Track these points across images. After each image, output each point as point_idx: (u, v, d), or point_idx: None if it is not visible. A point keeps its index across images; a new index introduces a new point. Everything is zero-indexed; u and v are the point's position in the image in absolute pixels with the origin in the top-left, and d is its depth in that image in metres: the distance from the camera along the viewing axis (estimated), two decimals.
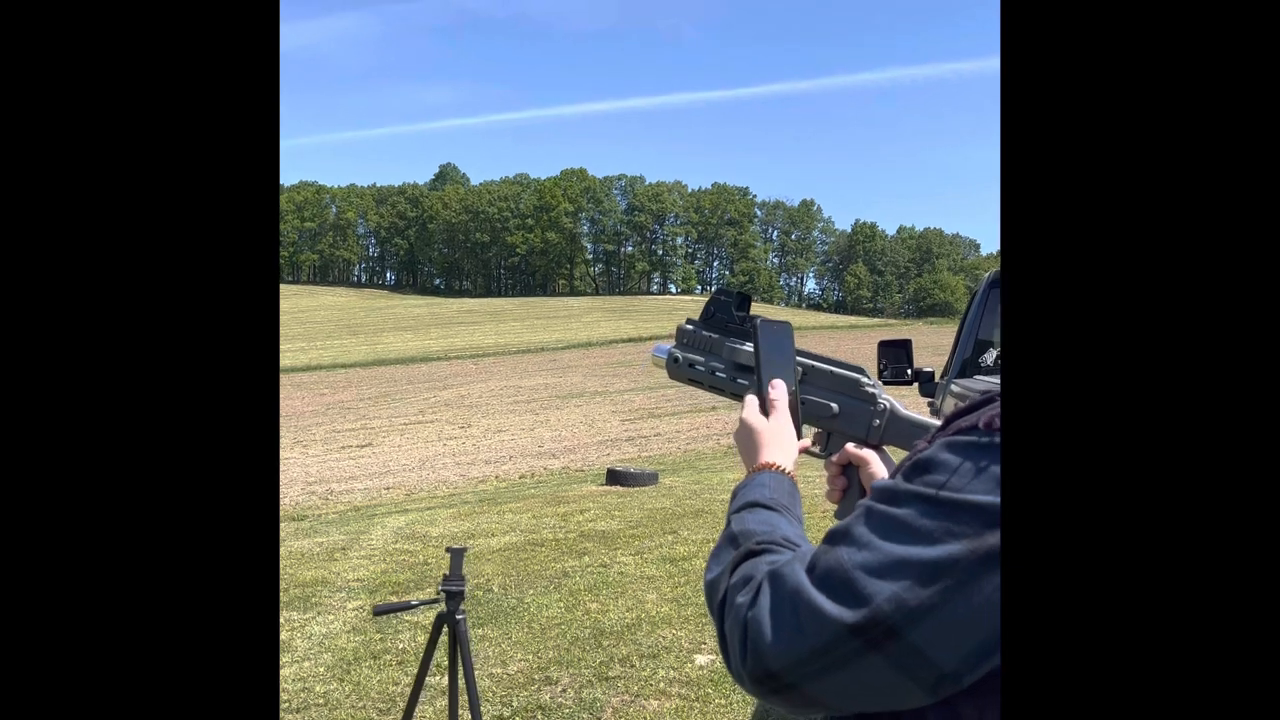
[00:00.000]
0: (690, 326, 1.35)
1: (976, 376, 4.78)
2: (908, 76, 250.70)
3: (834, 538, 0.82)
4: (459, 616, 2.72)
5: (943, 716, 0.80)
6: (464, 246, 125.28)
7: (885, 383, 5.08)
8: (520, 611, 5.21)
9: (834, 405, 1.23)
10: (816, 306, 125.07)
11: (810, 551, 0.84)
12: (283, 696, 4.04)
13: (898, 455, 1.06)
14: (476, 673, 3.88)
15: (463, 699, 2.78)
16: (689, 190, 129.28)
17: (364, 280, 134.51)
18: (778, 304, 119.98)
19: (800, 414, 1.21)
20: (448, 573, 2.74)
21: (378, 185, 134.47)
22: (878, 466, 1.18)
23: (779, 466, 1.08)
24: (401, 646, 4.69)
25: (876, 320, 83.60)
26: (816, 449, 1.24)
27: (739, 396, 1.29)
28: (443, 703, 3.77)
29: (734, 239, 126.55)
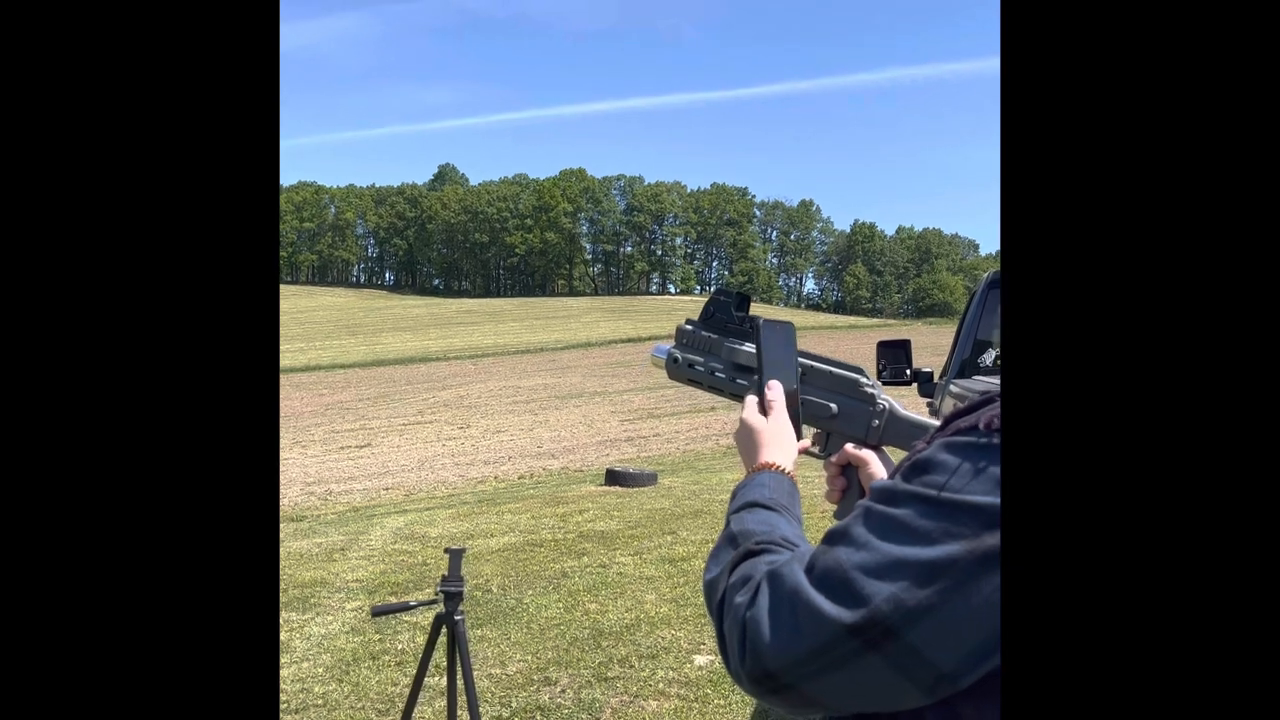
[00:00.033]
0: (689, 327, 1.35)
1: (975, 377, 4.78)
2: (906, 77, 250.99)
3: (832, 538, 0.82)
4: (457, 617, 2.72)
5: (941, 717, 0.80)
6: (463, 247, 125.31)
7: (884, 383, 5.08)
8: (519, 612, 5.21)
9: (833, 406, 1.23)
10: (815, 307, 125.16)
11: (809, 552, 0.84)
12: (281, 697, 4.04)
13: (897, 456, 1.06)
14: (476, 673, 3.88)
15: (461, 700, 2.78)
16: (688, 190, 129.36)
17: (363, 281, 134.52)
18: (776, 304, 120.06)
19: (801, 414, 1.21)
20: (446, 573, 2.74)
21: (376, 185, 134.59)
22: (877, 467, 1.18)
23: (779, 466, 1.08)
24: (400, 647, 4.69)
25: (875, 320, 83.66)
26: (816, 449, 1.24)
27: (738, 397, 1.29)
28: (441, 703, 3.76)
29: (733, 239, 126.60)
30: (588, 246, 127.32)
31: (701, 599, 4.82)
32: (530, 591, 5.63)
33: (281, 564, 6.53)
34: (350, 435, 20.94)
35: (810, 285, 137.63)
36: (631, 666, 4.30)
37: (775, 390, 1.16)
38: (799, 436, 1.18)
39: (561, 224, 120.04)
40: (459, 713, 2.83)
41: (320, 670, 4.41)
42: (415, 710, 2.89)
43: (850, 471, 1.21)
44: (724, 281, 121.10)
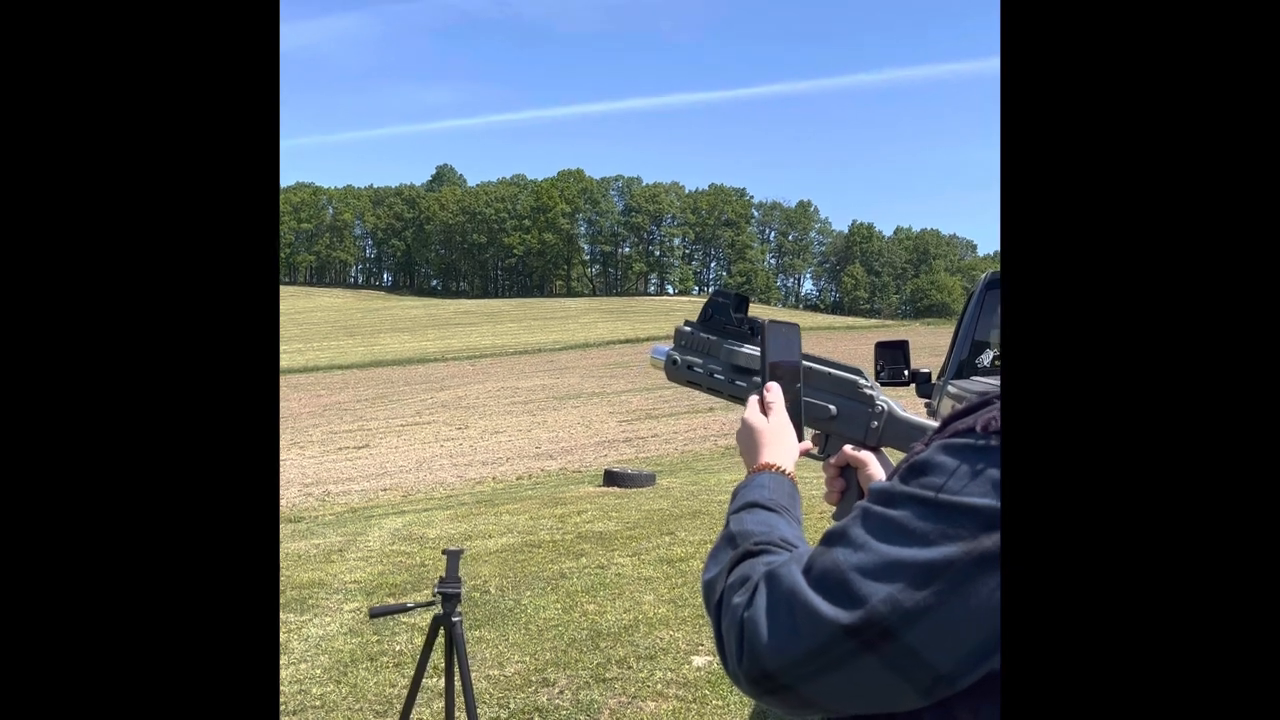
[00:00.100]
0: (688, 328, 1.35)
1: (973, 377, 4.79)
2: (905, 77, 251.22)
3: (831, 539, 0.82)
4: (455, 619, 2.72)
5: (938, 718, 0.80)
6: (461, 248, 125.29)
7: (882, 383, 5.08)
8: (517, 613, 5.21)
9: (832, 407, 1.23)
10: (814, 307, 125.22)
11: (807, 552, 0.84)
12: (279, 699, 4.04)
13: (896, 457, 1.06)
14: (474, 674, 3.88)
15: (459, 701, 2.77)
16: (686, 191, 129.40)
17: (361, 281, 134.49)
18: (775, 304, 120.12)
19: (803, 415, 1.21)
20: (444, 575, 2.74)
21: (375, 186, 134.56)
22: (876, 468, 1.18)
23: (779, 467, 1.08)
24: (398, 648, 4.68)
25: (874, 321, 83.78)
26: (815, 451, 1.24)
27: (737, 398, 1.29)
28: (439, 705, 3.76)
29: (731, 240, 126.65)
30: (586, 247, 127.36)
31: (700, 600, 4.81)
32: (528, 592, 5.63)
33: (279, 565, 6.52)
34: (348, 436, 20.93)
35: (808, 286, 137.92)
36: (630, 667, 4.30)
37: (775, 391, 1.17)
38: (800, 438, 1.18)
39: (559, 225, 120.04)
40: (457, 714, 2.83)
41: (318, 671, 4.40)
42: (413, 712, 2.89)
43: (849, 473, 1.21)
44: (722, 282, 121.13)
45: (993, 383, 4.10)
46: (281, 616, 5.26)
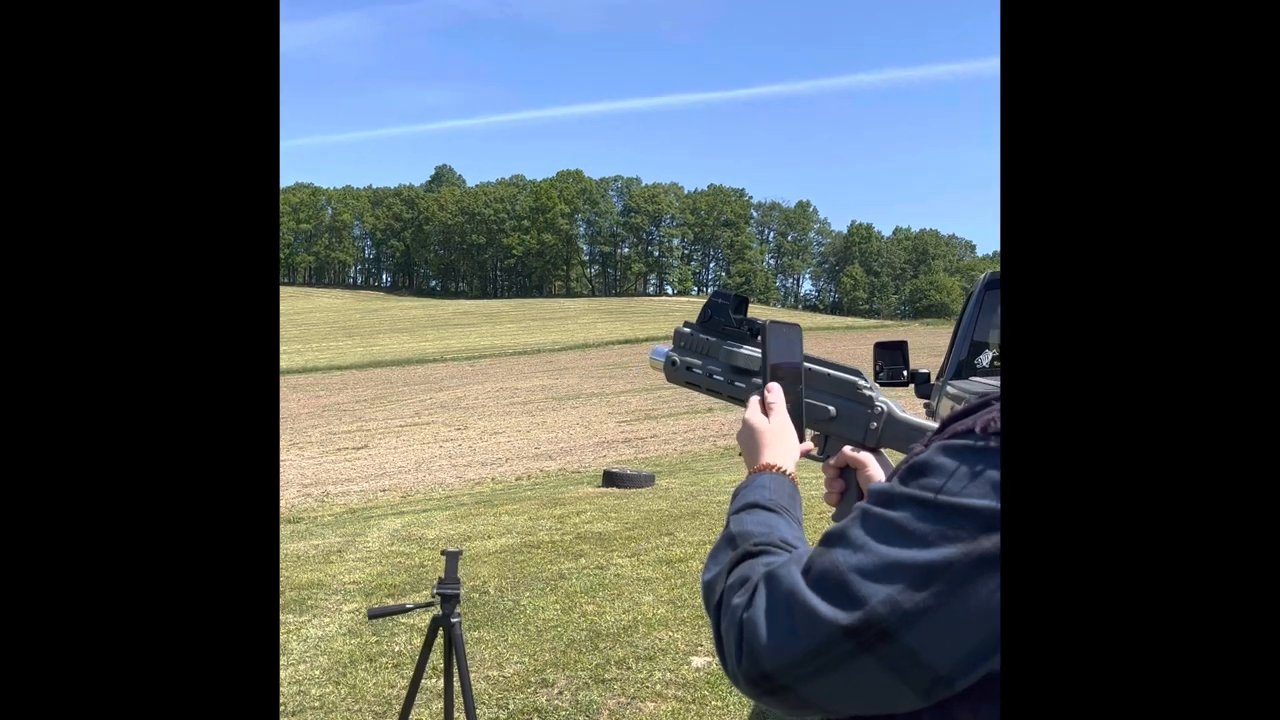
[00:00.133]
0: (688, 329, 1.35)
1: (972, 378, 4.79)
2: (904, 78, 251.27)
3: (830, 540, 0.82)
4: (454, 620, 2.72)
5: (938, 719, 0.80)
6: (460, 248, 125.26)
7: (881, 384, 5.08)
8: (516, 614, 5.20)
9: (831, 408, 1.23)
10: (813, 308, 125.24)
11: (807, 553, 0.84)
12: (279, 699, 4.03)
13: (895, 458, 1.06)
14: (473, 675, 3.88)
15: (458, 701, 2.77)
16: (685, 192, 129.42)
17: (360, 282, 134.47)
18: (774, 305, 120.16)
19: (804, 416, 1.21)
20: (443, 576, 2.74)
21: (374, 187, 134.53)
22: (875, 469, 1.18)
23: (779, 468, 1.08)
24: (397, 649, 4.68)
25: (873, 321, 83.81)
26: (815, 451, 1.24)
27: (736, 399, 1.29)
28: (438, 705, 3.76)
29: (730, 240, 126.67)
30: (585, 248, 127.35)
31: (699, 600, 4.81)
32: (527, 593, 5.62)
33: None
34: (347, 437, 20.93)
35: (807, 286, 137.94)
36: (629, 668, 4.30)
37: (776, 392, 1.17)
38: (801, 438, 1.18)
39: (559, 225, 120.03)
40: (456, 715, 2.83)
41: (317, 672, 4.40)
42: (412, 712, 2.89)
43: (849, 474, 1.21)
44: (721, 283, 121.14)
45: (992, 383, 4.10)
46: (281, 617, 5.26)
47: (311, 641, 4.86)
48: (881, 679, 0.76)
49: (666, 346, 1.38)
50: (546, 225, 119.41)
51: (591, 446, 16.78)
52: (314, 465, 16.33)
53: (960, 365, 5.07)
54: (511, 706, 3.91)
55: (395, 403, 28.25)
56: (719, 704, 3.88)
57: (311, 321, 73.77)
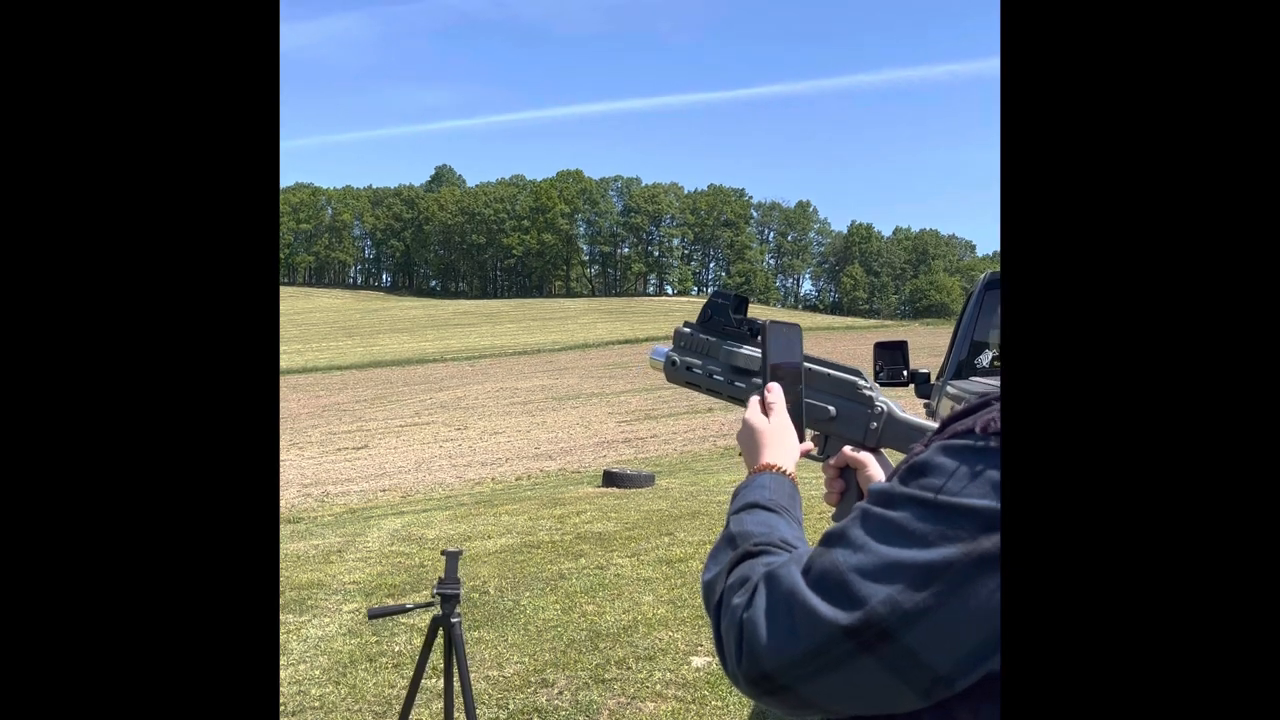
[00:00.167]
0: (688, 329, 1.35)
1: (972, 378, 4.79)
2: (904, 78, 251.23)
3: (830, 540, 0.82)
4: (454, 620, 2.72)
5: (938, 719, 0.80)
6: (460, 248, 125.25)
7: (881, 384, 5.08)
8: (516, 614, 5.20)
9: (831, 408, 1.23)
10: (813, 308, 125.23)
11: (807, 553, 0.84)
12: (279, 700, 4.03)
13: (895, 458, 1.06)
14: (473, 675, 3.88)
15: (458, 702, 2.77)
16: (685, 192, 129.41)
17: (360, 282, 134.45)
18: (774, 305, 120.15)
19: (804, 416, 1.21)
20: (443, 576, 2.74)
21: (374, 187, 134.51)
22: (875, 469, 1.18)
23: (779, 468, 1.08)
24: (397, 649, 4.68)
25: (873, 321, 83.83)
26: (815, 451, 1.24)
27: (736, 399, 1.29)
28: (438, 705, 3.76)
29: (730, 240, 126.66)
30: (585, 248, 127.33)
31: (699, 600, 4.81)
32: (527, 593, 5.62)
33: None
34: (347, 437, 20.93)
35: (807, 286, 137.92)
36: (629, 668, 4.30)
37: (776, 392, 1.17)
38: (801, 438, 1.18)
39: (559, 225, 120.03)
40: (456, 715, 2.83)
41: (317, 672, 4.40)
42: (412, 713, 2.89)
43: (849, 474, 1.21)
44: (721, 282, 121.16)
45: (992, 383, 4.10)
46: (281, 617, 5.26)
47: (311, 641, 4.86)
48: (881, 679, 0.76)
49: (666, 346, 1.38)
50: (546, 225, 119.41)
51: (591, 446, 16.78)
52: (314, 465, 16.33)
53: (960, 365, 5.07)
54: (511, 706, 3.91)
55: (395, 403, 28.25)
56: (719, 704, 3.88)
57: (311, 321, 73.78)
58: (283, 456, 16.68)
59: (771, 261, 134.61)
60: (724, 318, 1.31)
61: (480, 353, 47.47)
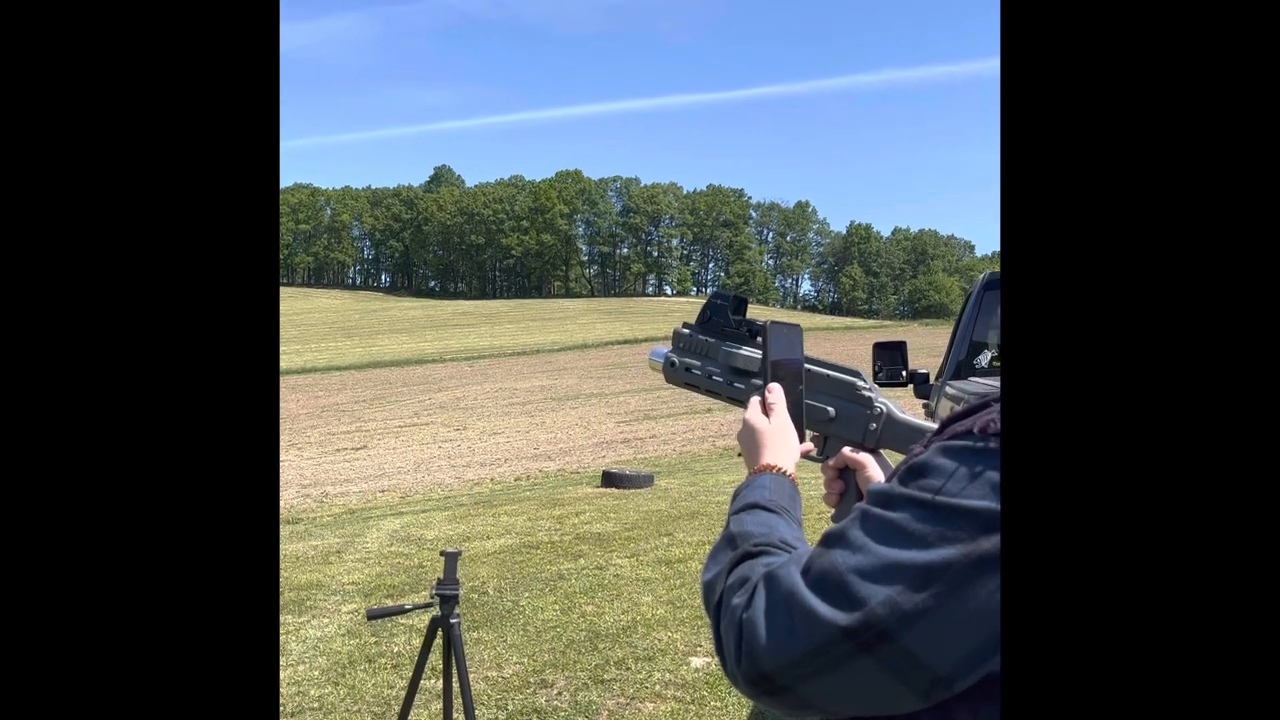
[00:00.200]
0: (687, 331, 1.35)
1: (971, 378, 4.79)
2: (903, 79, 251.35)
3: (829, 540, 0.82)
4: (453, 620, 2.72)
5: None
6: (459, 249, 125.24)
7: (880, 384, 5.08)
8: (515, 614, 5.20)
9: (831, 409, 1.23)
10: (812, 308, 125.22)
11: (807, 554, 0.84)
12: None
13: (895, 459, 1.06)
14: (472, 676, 3.87)
15: (457, 702, 2.77)
16: (684, 192, 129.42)
17: (359, 283, 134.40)
18: (773, 305, 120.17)
19: (805, 417, 1.21)
20: (442, 576, 2.74)
21: (372, 187, 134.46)
22: (874, 470, 1.18)
23: (779, 468, 1.08)
24: (396, 650, 4.68)
25: (872, 322, 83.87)
26: (814, 452, 1.24)
27: (736, 400, 1.29)
28: (437, 706, 3.76)
29: (729, 241, 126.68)
30: (584, 248, 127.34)
31: (698, 601, 4.81)
32: (526, 594, 5.62)
33: None
34: (346, 437, 20.92)
35: (806, 286, 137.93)
36: (628, 669, 4.30)
37: (777, 392, 1.17)
38: (801, 439, 1.18)
39: (558, 226, 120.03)
40: (455, 715, 2.83)
41: (316, 673, 4.40)
42: (411, 713, 2.88)
43: (848, 475, 1.21)
44: (720, 283, 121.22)
45: (991, 384, 4.11)
46: (280, 618, 5.25)
47: (310, 642, 4.86)
48: (880, 680, 0.76)
49: (666, 348, 1.38)
50: (545, 226, 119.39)
51: (590, 447, 16.78)
52: (313, 466, 16.33)
53: (959, 365, 5.07)
54: (510, 707, 3.91)
55: (394, 403, 28.25)
56: (718, 704, 3.88)
57: (310, 322, 73.76)
58: (282, 457, 16.67)
59: (770, 262, 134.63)
60: (723, 319, 1.31)
61: (479, 353, 47.47)
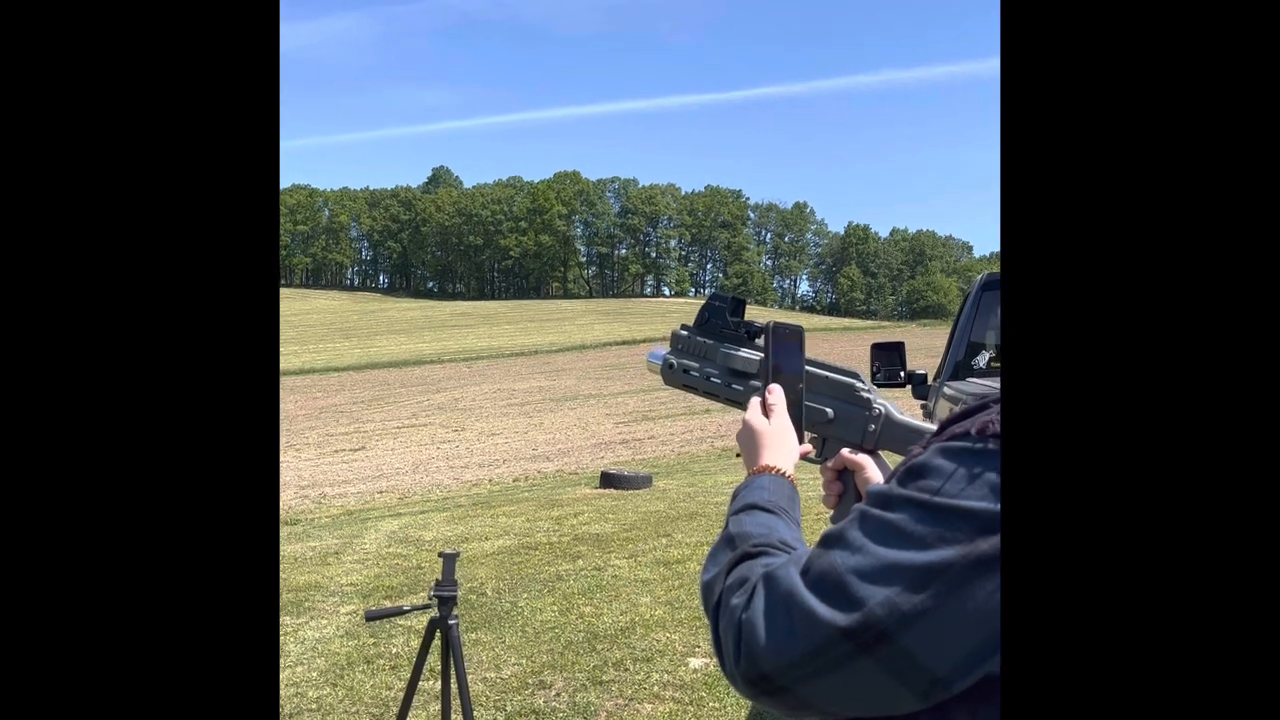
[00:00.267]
0: (685, 332, 1.35)
1: (969, 379, 4.79)
2: (901, 79, 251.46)
3: (828, 541, 0.82)
4: (451, 621, 2.72)
5: None
6: (457, 249, 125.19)
7: (878, 385, 5.08)
8: (514, 615, 5.20)
9: (830, 410, 1.23)
10: (810, 309, 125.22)
11: (806, 554, 0.84)
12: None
13: (894, 460, 1.06)
14: (470, 677, 3.87)
15: (456, 704, 2.77)
16: (682, 193, 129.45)
17: (357, 283, 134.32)
18: (771, 306, 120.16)
19: (804, 418, 1.21)
20: (440, 577, 2.74)
21: (371, 188, 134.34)
22: (873, 471, 1.18)
23: (779, 469, 1.08)
24: (395, 651, 4.68)
25: (870, 322, 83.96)
26: (813, 454, 1.24)
27: (734, 402, 1.29)
28: (436, 707, 3.75)
29: (727, 241, 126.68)
30: (582, 249, 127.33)
31: (697, 602, 4.81)
32: (525, 595, 5.62)
33: None
34: (344, 438, 20.91)
35: (804, 287, 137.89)
36: (626, 670, 4.29)
37: (777, 393, 1.17)
38: (801, 440, 1.18)
39: (556, 226, 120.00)
40: (454, 717, 2.83)
41: (314, 674, 4.39)
42: (409, 714, 2.88)
43: (847, 476, 1.21)
44: (718, 284, 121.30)
45: (989, 384, 4.11)
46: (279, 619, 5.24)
47: (309, 643, 4.86)
48: (879, 680, 0.76)
49: (664, 349, 1.38)
50: (544, 226, 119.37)
51: (589, 448, 16.78)
52: (311, 467, 16.32)
53: (957, 366, 5.07)
54: (509, 708, 3.91)
55: (392, 404, 28.24)
56: (716, 705, 3.87)
57: (308, 323, 73.72)
58: (280, 458, 16.64)
59: (769, 262, 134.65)
60: (721, 320, 1.31)
61: (477, 354, 47.47)
